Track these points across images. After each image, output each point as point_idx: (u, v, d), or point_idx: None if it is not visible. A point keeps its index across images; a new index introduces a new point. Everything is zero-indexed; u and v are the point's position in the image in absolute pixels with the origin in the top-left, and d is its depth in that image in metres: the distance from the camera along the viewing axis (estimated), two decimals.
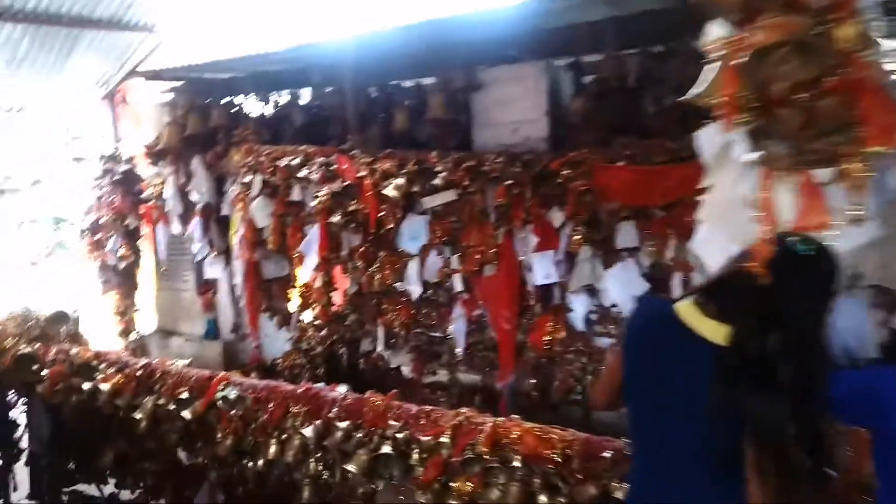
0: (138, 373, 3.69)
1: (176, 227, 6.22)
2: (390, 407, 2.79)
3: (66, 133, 10.04)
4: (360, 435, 2.80)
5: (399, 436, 2.68)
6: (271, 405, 3.14)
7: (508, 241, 4.17)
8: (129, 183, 6.45)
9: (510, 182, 4.03)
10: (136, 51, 6.22)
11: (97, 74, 6.45)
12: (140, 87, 6.68)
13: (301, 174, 4.89)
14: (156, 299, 6.90)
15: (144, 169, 6.42)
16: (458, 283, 4.42)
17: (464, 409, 2.64)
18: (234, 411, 3.24)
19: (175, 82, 6.23)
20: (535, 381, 4.17)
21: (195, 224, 5.98)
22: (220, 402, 3.30)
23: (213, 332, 6.34)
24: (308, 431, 2.92)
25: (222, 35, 5.84)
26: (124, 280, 6.72)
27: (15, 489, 4.42)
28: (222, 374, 3.41)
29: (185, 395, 3.41)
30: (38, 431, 4.30)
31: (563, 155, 3.93)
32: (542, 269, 3.98)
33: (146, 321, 6.96)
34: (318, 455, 2.93)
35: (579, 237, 3.88)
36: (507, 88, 4.52)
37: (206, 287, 6.32)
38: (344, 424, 2.84)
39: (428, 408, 2.72)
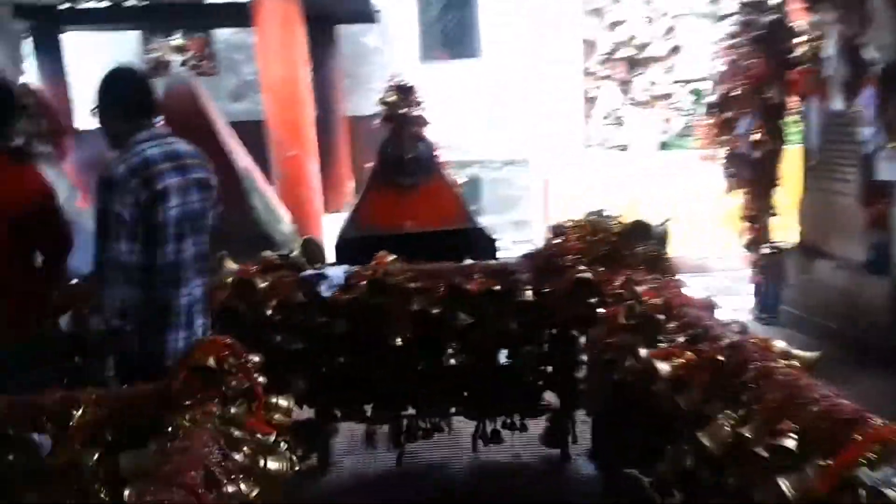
0: (717, 357, 2.10)
1: (837, 102, 4.29)
2: None
3: None
4: None
5: None
6: None
7: None
8: (774, 40, 4.74)
9: None
10: None
11: None
12: None
13: None
14: (800, 203, 5.16)
15: (798, 18, 4.59)
16: None
17: None
18: None
19: None
20: None
21: (867, 97, 3.98)
22: (860, 489, 1.47)
23: (879, 261, 4.30)
24: None
25: None
26: (759, 174, 5.12)
27: (574, 441, 3.50)
28: (873, 427, 1.52)
29: (789, 442, 1.68)
30: (594, 383, 3.18)
31: None
32: None
33: (784, 232, 5.30)
34: None
35: None
36: None
37: (876, 194, 4.27)
38: None
39: None
